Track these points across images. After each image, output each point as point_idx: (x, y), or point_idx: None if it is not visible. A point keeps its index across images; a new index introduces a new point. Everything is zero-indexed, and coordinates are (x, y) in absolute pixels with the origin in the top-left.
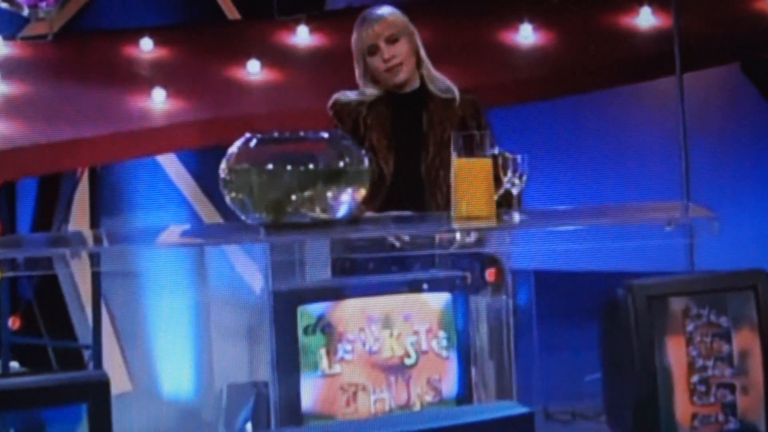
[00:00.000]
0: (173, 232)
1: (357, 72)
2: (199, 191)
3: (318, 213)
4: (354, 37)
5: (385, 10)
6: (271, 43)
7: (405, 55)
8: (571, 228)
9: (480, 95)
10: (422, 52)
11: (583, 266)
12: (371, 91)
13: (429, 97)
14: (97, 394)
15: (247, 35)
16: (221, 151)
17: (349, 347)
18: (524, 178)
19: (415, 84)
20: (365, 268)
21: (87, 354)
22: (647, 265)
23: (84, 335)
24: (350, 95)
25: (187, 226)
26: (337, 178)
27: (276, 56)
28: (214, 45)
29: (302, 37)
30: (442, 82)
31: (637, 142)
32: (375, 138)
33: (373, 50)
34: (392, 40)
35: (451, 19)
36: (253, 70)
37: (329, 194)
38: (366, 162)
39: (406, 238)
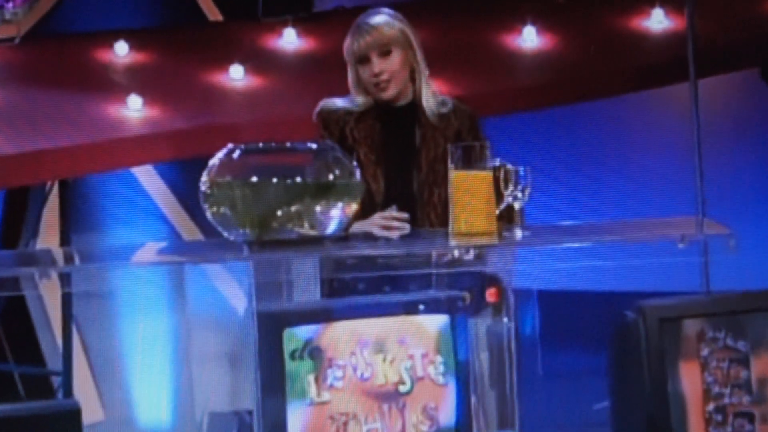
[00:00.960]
0: (150, 250)
1: (349, 78)
2: (178, 206)
3: (306, 229)
4: (346, 43)
5: (381, 19)
6: (256, 47)
7: (396, 69)
8: (577, 245)
9: (480, 102)
10: (421, 65)
11: (590, 286)
12: (361, 101)
13: (422, 111)
14: (68, 424)
15: (230, 38)
16: (202, 163)
17: (339, 373)
18: (527, 191)
19: (408, 97)
20: (356, 289)
21: (56, 381)
22: (659, 284)
23: (53, 361)
24: (338, 102)
25: (165, 244)
26: (326, 192)
27: (261, 61)
28: (194, 49)
29: (289, 40)
30: (436, 97)
31: (648, 152)
32: (363, 152)
33: (364, 60)
34: (384, 53)
35: (449, 20)
36: (236, 75)
37: (318, 209)
38: (357, 175)
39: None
